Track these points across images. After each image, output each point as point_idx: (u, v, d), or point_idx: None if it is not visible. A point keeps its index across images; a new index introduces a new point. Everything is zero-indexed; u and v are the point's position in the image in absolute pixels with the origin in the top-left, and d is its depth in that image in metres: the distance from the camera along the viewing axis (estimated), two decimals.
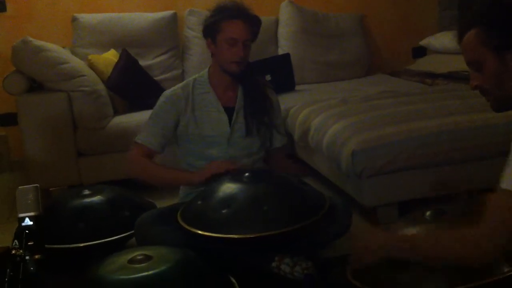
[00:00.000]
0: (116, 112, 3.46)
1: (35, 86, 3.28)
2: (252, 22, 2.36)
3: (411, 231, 1.69)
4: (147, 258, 1.78)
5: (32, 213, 1.49)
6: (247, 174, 2.17)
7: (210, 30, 2.36)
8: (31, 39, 3.20)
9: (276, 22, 4.31)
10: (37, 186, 1.54)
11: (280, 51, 4.22)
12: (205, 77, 2.45)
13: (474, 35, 1.52)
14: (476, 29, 1.51)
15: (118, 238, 2.34)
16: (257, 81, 2.49)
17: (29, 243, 1.43)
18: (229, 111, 2.43)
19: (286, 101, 3.31)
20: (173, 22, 4.03)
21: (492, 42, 1.49)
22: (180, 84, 2.50)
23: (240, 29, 2.31)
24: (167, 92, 2.48)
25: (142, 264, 1.76)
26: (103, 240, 2.30)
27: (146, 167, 2.41)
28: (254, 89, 2.45)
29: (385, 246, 1.58)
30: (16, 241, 1.44)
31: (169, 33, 3.99)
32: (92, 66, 3.53)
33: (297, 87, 4.00)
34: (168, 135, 2.43)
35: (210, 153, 2.41)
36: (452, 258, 1.46)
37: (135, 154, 2.43)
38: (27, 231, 1.45)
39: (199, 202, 2.15)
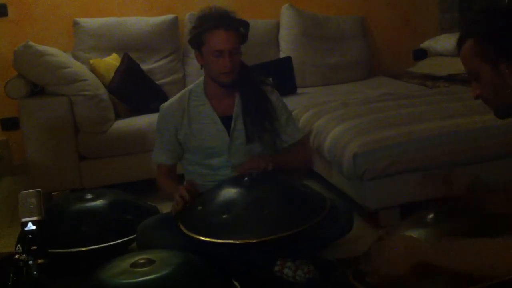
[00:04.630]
0: (118, 116, 3.47)
1: (36, 90, 3.29)
2: (237, 28, 2.25)
3: (416, 236, 1.66)
4: (150, 262, 1.79)
5: (34, 218, 1.48)
6: (246, 178, 2.17)
7: (195, 42, 2.26)
8: (32, 43, 3.21)
9: (277, 26, 4.31)
10: (39, 190, 1.54)
11: (282, 54, 4.23)
12: (200, 87, 2.38)
13: (469, 46, 1.53)
14: (471, 41, 1.53)
15: (120, 242, 2.34)
16: (255, 84, 2.40)
17: (32, 248, 1.43)
18: (228, 119, 2.35)
19: (287, 105, 3.30)
20: (174, 26, 4.03)
21: (486, 53, 1.50)
22: (177, 96, 2.43)
23: (224, 39, 2.19)
24: (163, 106, 2.43)
25: (145, 268, 1.77)
26: (105, 244, 2.31)
27: (160, 185, 2.45)
28: (252, 94, 2.36)
29: (418, 253, 1.39)
30: (19, 245, 1.44)
31: (170, 37, 4.00)
32: (93, 70, 3.54)
33: (299, 90, 4.00)
34: (176, 146, 2.40)
35: (211, 163, 2.37)
36: (499, 270, 1.28)
37: (157, 174, 2.47)
38: (30, 236, 1.45)
39: (200, 208, 2.14)
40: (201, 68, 2.34)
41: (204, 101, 2.36)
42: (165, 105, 2.43)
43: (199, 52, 2.28)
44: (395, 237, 1.51)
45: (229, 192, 2.14)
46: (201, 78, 2.40)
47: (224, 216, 2.05)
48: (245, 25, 2.29)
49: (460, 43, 1.57)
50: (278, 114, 2.41)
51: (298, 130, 2.51)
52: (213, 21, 2.22)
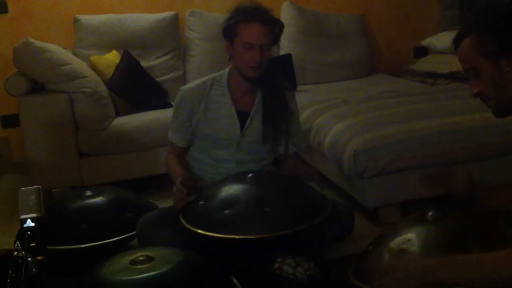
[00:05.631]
0: (118, 113, 3.46)
1: (36, 87, 3.28)
2: (271, 25, 2.25)
3: (416, 233, 1.66)
4: (149, 259, 1.79)
5: (34, 215, 1.48)
6: (250, 175, 2.17)
7: (228, 32, 2.27)
8: (32, 40, 3.20)
9: None
10: (39, 187, 1.54)
11: (282, 52, 4.22)
12: (224, 78, 2.38)
13: (469, 42, 1.53)
14: (471, 37, 1.52)
15: (120, 239, 2.34)
16: (278, 86, 2.41)
17: (31, 245, 1.43)
18: (244, 115, 2.36)
19: None
20: (174, 23, 4.03)
21: (486, 48, 1.50)
22: (198, 81, 2.43)
23: (257, 33, 2.21)
24: (183, 88, 2.43)
25: (144, 265, 1.76)
26: (105, 241, 2.31)
27: (168, 165, 2.44)
28: (274, 95, 2.37)
29: (425, 272, 1.38)
30: (18, 242, 1.44)
31: (170, 34, 3.99)
32: (93, 67, 3.54)
33: (299, 88, 4.00)
34: (189, 129, 2.39)
35: (217, 154, 2.37)
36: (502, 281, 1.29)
37: (168, 152, 2.48)
38: (29, 233, 1.45)
39: (201, 202, 2.14)
40: (229, 59, 2.34)
41: (225, 92, 2.37)
42: (185, 87, 2.44)
43: (231, 43, 2.29)
44: (406, 258, 1.52)
45: (232, 188, 2.15)
46: (227, 69, 2.40)
47: (225, 212, 2.05)
48: (280, 25, 2.31)
49: (458, 40, 1.57)
50: (294, 120, 2.45)
51: (302, 140, 2.53)
52: (249, 13, 2.23)
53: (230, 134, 2.35)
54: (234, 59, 2.30)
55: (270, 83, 2.38)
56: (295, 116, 2.46)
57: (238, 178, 2.19)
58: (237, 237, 1.99)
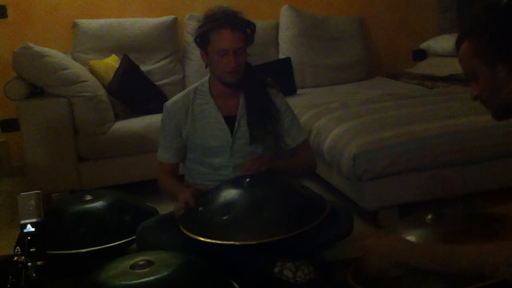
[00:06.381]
0: (117, 117, 3.47)
1: (36, 91, 3.29)
2: (243, 28, 2.25)
3: (415, 236, 1.68)
4: (149, 263, 1.79)
5: (33, 220, 1.49)
6: (247, 179, 2.17)
7: (201, 41, 2.27)
8: (32, 45, 3.21)
9: (277, 26, 4.31)
10: (39, 192, 1.54)
11: (281, 55, 4.23)
12: (205, 86, 2.38)
13: (467, 46, 1.54)
14: (469, 41, 1.53)
15: (119, 243, 2.34)
16: (260, 85, 2.40)
17: (31, 250, 1.43)
18: (232, 119, 2.36)
19: None
20: (173, 27, 4.04)
21: (483, 53, 1.50)
22: (181, 94, 2.43)
23: (229, 38, 2.20)
24: (167, 104, 2.43)
25: (144, 270, 1.76)
26: (104, 246, 2.31)
27: (162, 184, 2.43)
28: (256, 96, 2.36)
29: (395, 252, 1.52)
30: (18, 247, 1.44)
31: (169, 38, 4.00)
32: (93, 72, 3.54)
33: (298, 91, 4.00)
34: (179, 144, 2.40)
35: (213, 162, 2.36)
36: (476, 269, 1.38)
37: (158, 172, 2.45)
38: (29, 238, 1.45)
39: (200, 208, 2.14)
40: (206, 67, 2.34)
41: (209, 100, 2.36)
42: (169, 102, 2.43)
43: (205, 51, 2.28)
44: (377, 238, 1.64)
45: (229, 193, 2.14)
46: (207, 77, 2.40)
47: (224, 218, 2.05)
48: (251, 26, 2.30)
49: (458, 43, 1.57)
50: (282, 117, 2.42)
51: (301, 132, 2.50)
52: (219, 20, 2.22)
53: (221, 140, 2.35)
54: (211, 66, 2.31)
55: (251, 84, 2.36)
56: (284, 110, 2.43)
57: (235, 182, 2.18)
58: (236, 243, 1.99)
